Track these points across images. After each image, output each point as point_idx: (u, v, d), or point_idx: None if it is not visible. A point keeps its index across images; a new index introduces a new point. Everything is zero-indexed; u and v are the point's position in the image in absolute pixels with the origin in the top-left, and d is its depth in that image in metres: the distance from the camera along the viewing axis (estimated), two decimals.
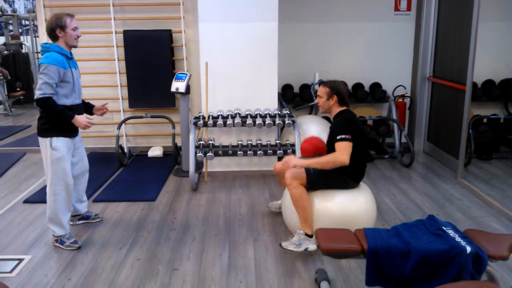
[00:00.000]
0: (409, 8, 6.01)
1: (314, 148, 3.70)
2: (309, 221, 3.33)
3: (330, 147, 3.38)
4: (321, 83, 3.50)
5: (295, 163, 3.35)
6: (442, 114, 5.70)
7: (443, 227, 2.59)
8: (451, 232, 2.53)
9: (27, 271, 3.21)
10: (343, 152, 3.21)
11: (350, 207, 3.35)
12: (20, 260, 3.36)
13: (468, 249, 2.35)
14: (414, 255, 2.39)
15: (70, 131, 3.47)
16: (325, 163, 3.27)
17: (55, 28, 3.30)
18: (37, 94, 3.23)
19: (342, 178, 3.38)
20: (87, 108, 3.73)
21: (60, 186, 3.45)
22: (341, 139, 3.23)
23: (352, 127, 3.29)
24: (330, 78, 3.57)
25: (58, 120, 3.35)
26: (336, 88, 3.39)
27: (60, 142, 3.37)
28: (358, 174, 3.44)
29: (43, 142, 3.38)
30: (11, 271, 3.20)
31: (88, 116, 3.50)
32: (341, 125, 3.30)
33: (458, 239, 2.45)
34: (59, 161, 3.39)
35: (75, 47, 3.44)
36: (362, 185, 3.54)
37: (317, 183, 3.39)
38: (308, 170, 3.37)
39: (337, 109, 3.44)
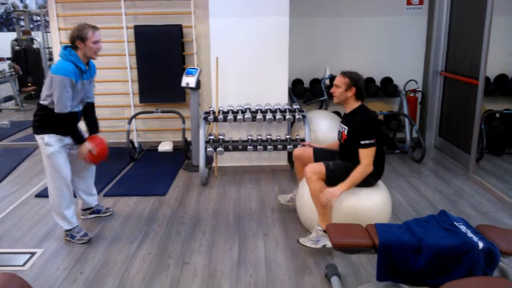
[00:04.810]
0: (421, 1, 5.94)
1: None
2: (328, 217, 3.27)
3: (349, 145, 3.33)
4: (341, 72, 3.39)
5: (337, 195, 3.19)
6: (454, 109, 5.65)
7: (455, 223, 2.56)
8: (463, 228, 2.51)
9: (40, 265, 3.24)
10: (369, 161, 3.22)
11: (365, 204, 3.32)
12: (32, 253, 3.39)
13: (480, 244, 2.33)
14: (426, 250, 2.38)
15: (62, 131, 3.45)
16: (359, 179, 3.25)
17: (76, 39, 3.29)
18: (58, 108, 3.24)
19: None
20: (90, 125, 3.74)
21: (58, 181, 3.46)
22: (366, 145, 3.20)
23: (377, 128, 3.27)
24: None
25: (51, 119, 3.36)
26: (356, 80, 3.30)
27: (52, 138, 3.38)
28: (379, 171, 3.39)
29: (38, 139, 3.41)
30: (23, 265, 3.24)
31: (92, 148, 3.52)
32: (366, 127, 3.24)
33: (470, 234, 2.43)
34: (53, 156, 3.40)
35: (94, 59, 3.43)
36: (378, 183, 3.50)
37: (337, 180, 3.30)
38: (327, 166, 3.32)
39: (353, 103, 3.36)
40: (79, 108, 3.52)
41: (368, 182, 3.37)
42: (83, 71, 3.37)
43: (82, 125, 3.58)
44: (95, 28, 3.35)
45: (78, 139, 3.48)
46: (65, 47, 3.34)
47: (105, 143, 3.67)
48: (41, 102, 3.37)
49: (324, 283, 2.97)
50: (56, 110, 3.27)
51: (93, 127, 3.75)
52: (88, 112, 3.69)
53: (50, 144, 3.38)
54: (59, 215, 3.54)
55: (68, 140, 3.50)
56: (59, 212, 3.52)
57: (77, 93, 3.38)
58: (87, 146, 3.50)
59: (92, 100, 3.71)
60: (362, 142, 3.21)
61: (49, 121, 3.37)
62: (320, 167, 3.33)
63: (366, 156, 3.22)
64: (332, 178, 3.31)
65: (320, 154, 3.66)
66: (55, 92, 3.24)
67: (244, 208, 4.18)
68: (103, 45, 5.65)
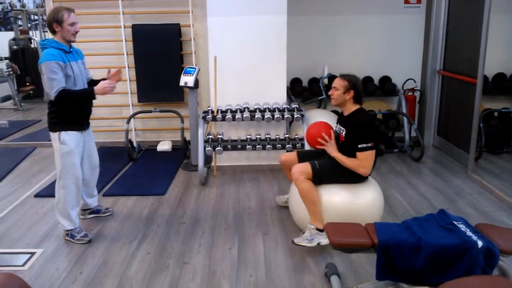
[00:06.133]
0: (419, 0, 5.94)
1: (318, 134, 3.53)
2: (319, 215, 3.32)
3: (345, 147, 3.35)
4: (339, 75, 3.41)
5: (331, 151, 3.38)
6: (452, 107, 5.65)
7: (454, 222, 2.57)
8: (462, 227, 2.51)
9: (39, 265, 3.24)
10: (366, 164, 3.25)
11: (356, 201, 3.34)
12: (32, 253, 3.39)
13: (480, 243, 2.34)
14: (425, 249, 2.38)
15: (79, 124, 3.48)
16: (349, 167, 3.30)
17: (52, 23, 3.29)
18: (51, 94, 3.22)
19: (350, 173, 3.35)
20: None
21: (69, 180, 3.47)
22: (364, 149, 3.22)
23: (374, 132, 3.29)
24: (339, 72, 3.51)
25: (66, 112, 3.37)
26: (354, 83, 3.32)
27: (68, 136, 3.39)
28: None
29: (53, 136, 3.41)
30: (23, 265, 3.24)
31: (107, 81, 3.43)
32: (363, 131, 3.25)
33: (469, 233, 2.43)
34: (68, 155, 3.41)
35: (73, 42, 3.42)
36: (370, 179, 3.53)
37: (324, 178, 3.38)
38: (313, 165, 3.36)
39: (351, 106, 3.37)
40: None
41: (353, 178, 3.40)
42: (67, 51, 3.36)
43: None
44: (70, 10, 3.34)
45: (89, 95, 3.40)
46: (43, 40, 3.36)
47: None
48: (50, 99, 3.36)
49: (324, 282, 2.97)
50: (51, 97, 3.22)
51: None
52: (94, 83, 3.63)
53: (66, 143, 3.38)
54: (63, 215, 3.53)
55: (81, 138, 3.51)
56: (65, 212, 3.51)
57: (78, 76, 3.38)
58: (100, 87, 3.36)
59: (91, 76, 3.70)
60: (359, 146, 3.23)
61: (64, 114, 3.37)
62: (306, 166, 3.37)
63: (363, 158, 3.25)
64: (320, 177, 3.36)
65: (304, 156, 3.69)
66: (43, 79, 3.23)
67: (243, 208, 4.18)
68: (101, 44, 5.78)
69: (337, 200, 3.35)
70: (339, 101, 3.38)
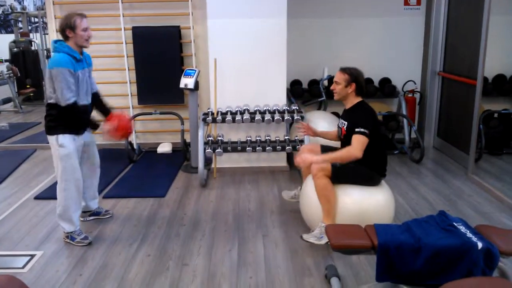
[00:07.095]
0: (419, 2, 5.95)
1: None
2: (332, 214, 3.29)
3: (348, 141, 3.35)
4: (340, 69, 3.40)
5: (313, 161, 3.34)
6: (452, 109, 5.66)
7: (454, 223, 2.57)
8: (462, 228, 2.51)
9: (39, 267, 3.24)
10: (359, 147, 3.22)
11: (369, 203, 3.33)
12: (32, 256, 3.39)
13: (480, 245, 2.33)
14: (425, 251, 2.38)
15: (76, 127, 3.47)
16: (342, 159, 3.29)
17: (65, 29, 3.28)
18: (63, 100, 3.22)
19: (369, 173, 3.36)
20: (103, 110, 3.72)
21: (69, 182, 3.46)
22: (360, 133, 3.21)
23: (374, 122, 3.29)
24: None
25: (64, 116, 3.36)
26: (355, 76, 3.32)
27: (66, 139, 3.38)
28: (382, 167, 3.43)
29: (51, 139, 3.40)
30: (23, 267, 3.23)
31: (112, 126, 3.50)
32: (364, 117, 3.27)
33: (469, 235, 2.43)
34: (67, 157, 3.40)
35: (86, 47, 3.41)
36: (382, 183, 3.51)
37: (343, 177, 3.36)
38: (334, 163, 3.34)
39: (354, 99, 3.37)
40: (88, 100, 3.52)
41: (373, 180, 3.40)
42: (78, 59, 3.36)
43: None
44: (82, 15, 3.34)
45: (94, 126, 3.53)
46: (56, 41, 3.33)
47: (124, 116, 3.61)
48: (49, 101, 3.35)
49: (324, 284, 2.97)
50: (62, 104, 3.24)
51: (106, 112, 3.72)
52: (98, 101, 3.69)
53: (64, 146, 3.37)
54: (64, 217, 3.52)
55: (81, 140, 3.52)
56: (66, 214, 3.51)
57: (82, 84, 3.38)
58: (106, 127, 3.48)
59: (97, 89, 3.71)
60: (356, 129, 3.24)
61: (62, 118, 3.36)
62: (326, 164, 3.34)
63: (357, 141, 3.23)
64: (338, 176, 3.33)
65: (326, 150, 3.65)
66: (57, 85, 3.22)
67: (243, 209, 4.18)
68: (101, 46, 5.78)
69: (350, 201, 3.34)
70: (341, 95, 3.38)
